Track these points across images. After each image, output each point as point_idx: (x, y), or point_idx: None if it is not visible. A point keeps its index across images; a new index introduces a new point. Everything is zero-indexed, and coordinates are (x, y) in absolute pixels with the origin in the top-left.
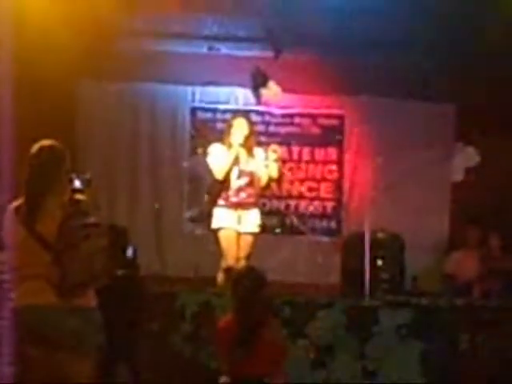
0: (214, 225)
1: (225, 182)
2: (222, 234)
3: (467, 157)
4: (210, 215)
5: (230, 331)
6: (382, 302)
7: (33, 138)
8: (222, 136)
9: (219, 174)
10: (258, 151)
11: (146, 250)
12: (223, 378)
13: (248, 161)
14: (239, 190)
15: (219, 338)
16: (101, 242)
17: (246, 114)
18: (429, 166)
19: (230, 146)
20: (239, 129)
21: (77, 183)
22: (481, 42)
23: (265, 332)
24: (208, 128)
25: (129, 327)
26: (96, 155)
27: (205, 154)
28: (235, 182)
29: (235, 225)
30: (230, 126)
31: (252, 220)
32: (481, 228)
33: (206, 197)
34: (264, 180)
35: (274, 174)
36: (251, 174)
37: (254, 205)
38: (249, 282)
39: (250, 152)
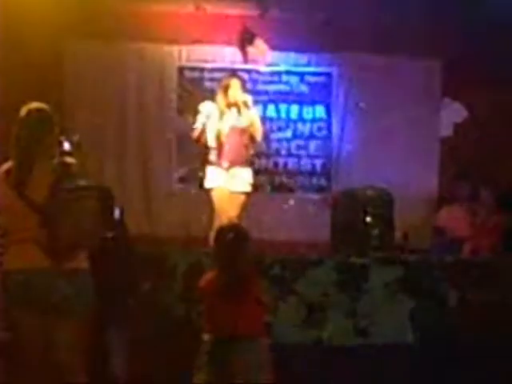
0: (207, 185)
1: (217, 142)
2: (214, 194)
3: (455, 112)
4: (201, 175)
5: (213, 287)
6: (371, 259)
7: (21, 100)
8: (212, 95)
9: (209, 133)
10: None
11: (135, 211)
12: (206, 336)
13: (240, 118)
14: (231, 148)
15: (203, 294)
16: (90, 204)
17: (235, 72)
18: (417, 122)
19: (228, 105)
20: (236, 88)
21: (66, 146)
22: None
23: (250, 290)
24: (196, 87)
25: (119, 288)
26: (84, 116)
27: (194, 113)
28: (228, 141)
29: (227, 184)
30: (226, 86)
31: (244, 179)
32: (471, 183)
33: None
34: (258, 132)
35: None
36: (244, 131)
37: (246, 163)
38: (231, 237)
39: (242, 109)
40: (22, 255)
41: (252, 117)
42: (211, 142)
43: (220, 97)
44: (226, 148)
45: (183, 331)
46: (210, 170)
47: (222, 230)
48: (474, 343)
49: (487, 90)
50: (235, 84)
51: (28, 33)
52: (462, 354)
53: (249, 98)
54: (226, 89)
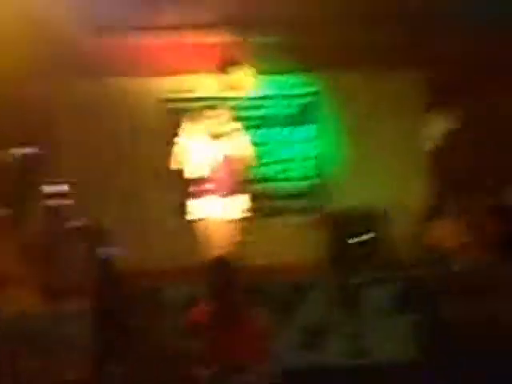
0: (199, 215)
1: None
2: (207, 224)
3: (438, 124)
4: (192, 205)
5: (207, 319)
6: (367, 278)
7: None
8: (196, 125)
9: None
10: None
11: (127, 246)
12: (205, 370)
13: (230, 146)
14: (223, 176)
15: (196, 328)
16: (82, 247)
17: (219, 101)
18: (402, 137)
19: (218, 135)
20: (225, 116)
21: (61, 188)
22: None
23: (245, 319)
24: (180, 117)
25: (115, 326)
26: (74, 154)
27: (181, 143)
28: (216, 170)
29: (219, 213)
30: (211, 116)
31: (237, 206)
32: (460, 195)
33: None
34: (248, 160)
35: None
36: (235, 159)
37: (239, 190)
38: (218, 270)
39: (232, 134)
40: (16, 298)
41: (240, 145)
42: (203, 171)
43: (210, 126)
44: (219, 177)
45: (181, 364)
46: (201, 200)
47: (210, 263)
48: (472, 354)
49: (474, 99)
50: (223, 113)
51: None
52: (463, 366)
53: (236, 128)
54: (213, 118)
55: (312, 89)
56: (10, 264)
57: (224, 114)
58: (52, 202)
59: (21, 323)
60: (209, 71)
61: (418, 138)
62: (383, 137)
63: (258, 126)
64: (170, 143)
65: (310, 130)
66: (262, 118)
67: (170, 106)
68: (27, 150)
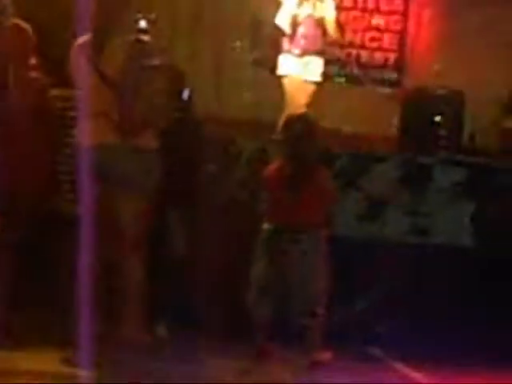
0: (279, 71)
1: (291, 28)
2: (286, 82)
3: None
4: (274, 60)
5: (279, 176)
6: (437, 159)
7: None
8: None
9: (285, 19)
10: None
11: (205, 92)
12: (266, 225)
13: (316, 6)
14: (305, 36)
15: (268, 183)
16: (161, 85)
17: None
18: (494, 22)
19: None
20: None
21: (142, 23)
22: None
23: (315, 180)
24: None
25: (184, 169)
26: None
27: None
28: (301, 29)
29: (301, 73)
30: None
31: (316, 68)
32: None
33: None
34: (331, 26)
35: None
36: (318, 22)
37: (319, 53)
38: (300, 127)
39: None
40: (95, 129)
41: (326, 10)
42: (286, 27)
43: None
44: (300, 35)
45: (244, 217)
46: (282, 57)
47: (290, 119)
48: None
49: None
50: None
51: None
52: None
53: None
54: None
55: None
56: (92, 94)
57: None
58: (140, 37)
59: (94, 152)
60: None
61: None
62: (478, 21)
63: None
64: None
65: (399, 2)
66: None
67: None
68: None
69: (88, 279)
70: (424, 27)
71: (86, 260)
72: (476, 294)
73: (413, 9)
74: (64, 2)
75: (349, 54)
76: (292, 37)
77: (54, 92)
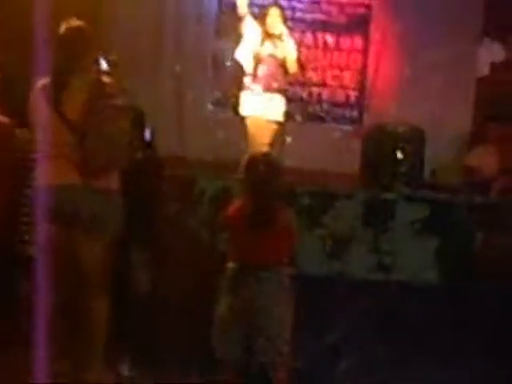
0: (242, 111)
1: (253, 66)
2: (249, 122)
3: (493, 52)
4: (235, 99)
5: (241, 215)
6: (399, 195)
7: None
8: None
9: (245, 56)
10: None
11: (167, 132)
12: (230, 264)
13: (277, 45)
14: (267, 74)
15: (230, 222)
16: (124, 125)
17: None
18: (454, 60)
19: (265, 34)
20: (275, 17)
21: (103, 64)
22: None
23: (277, 218)
24: (235, 11)
25: (146, 210)
26: (120, 34)
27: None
28: (263, 68)
29: (263, 112)
30: (265, 15)
31: (278, 107)
32: (503, 123)
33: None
34: (292, 65)
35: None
36: (281, 59)
37: (281, 91)
38: (262, 166)
39: (279, 38)
40: (55, 170)
41: (287, 49)
42: (247, 64)
43: (259, 24)
44: (261, 73)
45: (207, 256)
46: (244, 95)
47: (253, 159)
48: (496, 287)
49: None
50: (274, 13)
51: None
52: (483, 297)
53: (284, 31)
54: (264, 17)
55: (366, 0)
56: (52, 136)
57: (277, 15)
58: (101, 78)
59: (54, 194)
60: None
61: (469, 62)
62: (434, 58)
63: (308, 29)
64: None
65: (359, 40)
66: (313, 21)
67: None
68: (79, 24)
69: (44, 320)
70: (384, 65)
71: (41, 301)
72: (440, 330)
73: (373, 47)
74: (24, 42)
75: (310, 93)
76: (254, 74)
77: (16, 133)
